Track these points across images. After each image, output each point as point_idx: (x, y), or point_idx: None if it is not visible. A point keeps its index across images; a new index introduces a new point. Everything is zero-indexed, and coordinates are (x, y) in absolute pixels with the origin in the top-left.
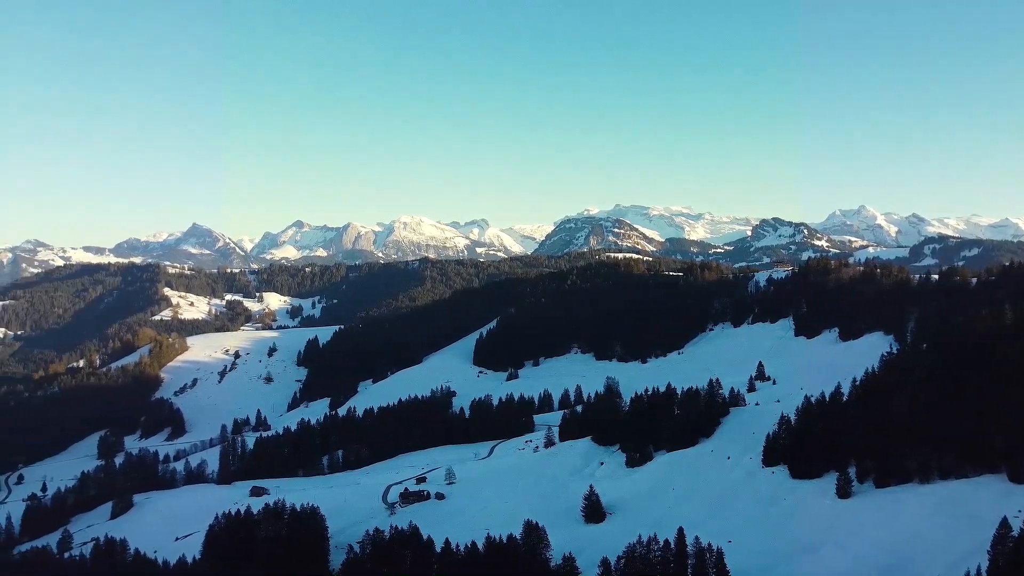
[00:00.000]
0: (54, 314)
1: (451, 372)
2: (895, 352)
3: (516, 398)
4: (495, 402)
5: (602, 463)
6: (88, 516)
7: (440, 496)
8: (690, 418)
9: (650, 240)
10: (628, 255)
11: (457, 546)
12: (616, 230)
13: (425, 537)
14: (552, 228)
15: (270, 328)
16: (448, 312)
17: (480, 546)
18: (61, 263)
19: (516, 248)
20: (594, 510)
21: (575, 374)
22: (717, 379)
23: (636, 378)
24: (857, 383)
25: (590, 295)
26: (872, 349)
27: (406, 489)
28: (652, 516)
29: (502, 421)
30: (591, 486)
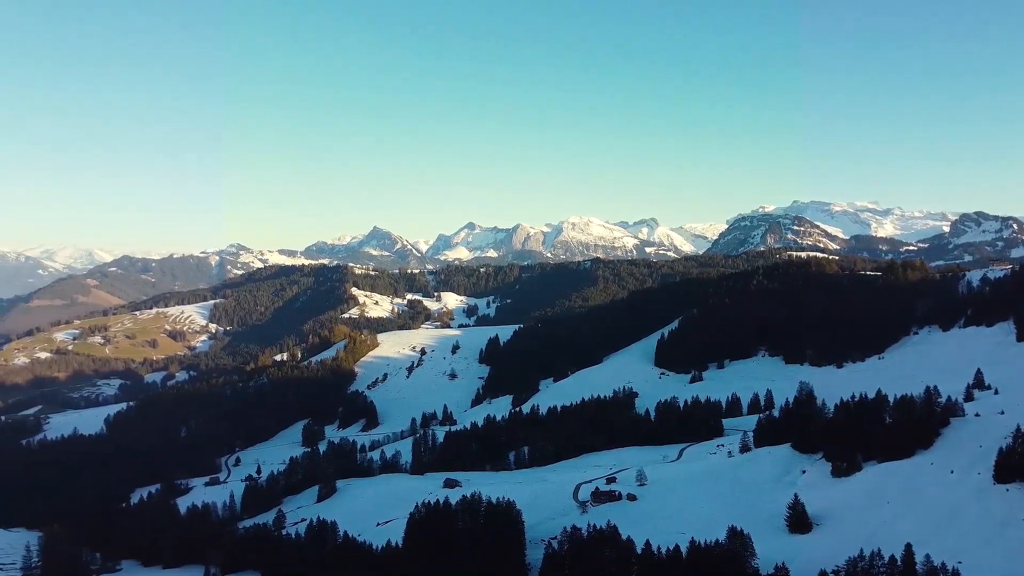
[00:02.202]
0: (257, 311)
1: (632, 373)
2: None
3: (702, 401)
4: (680, 404)
5: (804, 471)
6: (297, 498)
7: (632, 497)
8: (905, 427)
9: (832, 237)
10: (816, 253)
11: (658, 548)
12: (795, 228)
13: (624, 537)
14: (725, 226)
15: (448, 326)
16: (626, 312)
17: (683, 550)
18: (260, 265)
19: (687, 247)
20: (799, 520)
21: (763, 378)
22: (935, 387)
23: (831, 383)
24: None
25: (777, 296)
26: None
27: (597, 488)
28: (865, 530)
29: (689, 424)
30: (795, 495)
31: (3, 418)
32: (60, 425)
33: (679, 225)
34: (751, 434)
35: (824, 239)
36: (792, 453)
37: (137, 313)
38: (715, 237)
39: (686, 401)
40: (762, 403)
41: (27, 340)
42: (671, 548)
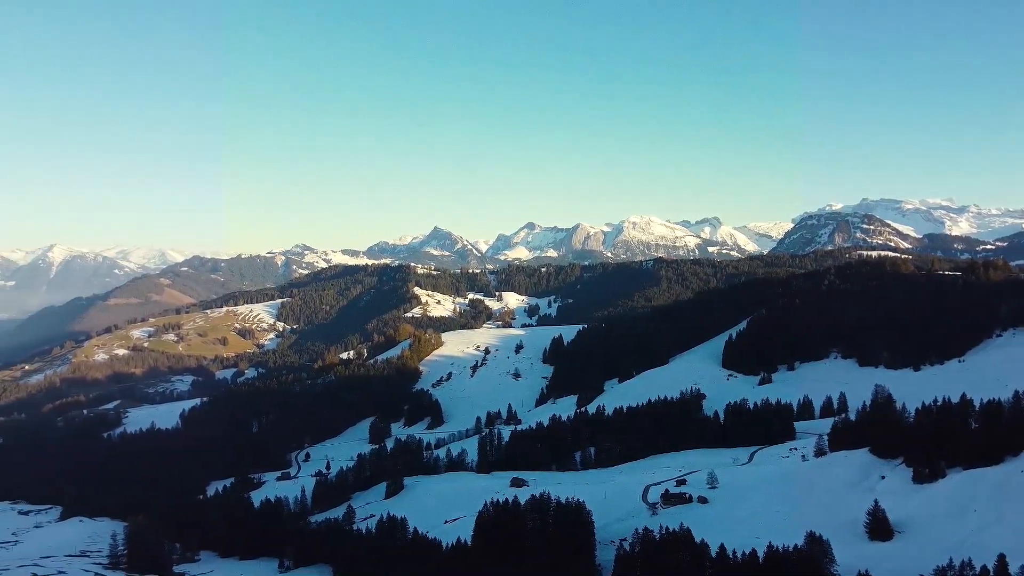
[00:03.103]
0: (322, 310)
1: (699, 374)
2: None
3: (772, 403)
4: (750, 406)
5: (883, 477)
6: (365, 494)
7: (703, 500)
8: (992, 433)
9: (904, 236)
10: (887, 253)
11: (733, 552)
12: (865, 226)
13: (699, 540)
14: (791, 225)
15: (510, 326)
16: (691, 312)
17: (760, 554)
18: (324, 265)
19: (750, 247)
20: (880, 526)
21: (836, 380)
22: None
23: (908, 387)
24: None
25: (850, 296)
26: None
27: (667, 490)
28: (951, 539)
29: (759, 426)
30: (875, 500)
31: (85, 411)
32: (138, 419)
33: (742, 224)
34: (826, 438)
35: (895, 238)
36: (870, 458)
37: (208, 311)
38: (780, 236)
39: (755, 403)
40: (835, 406)
41: (106, 337)
42: (747, 552)
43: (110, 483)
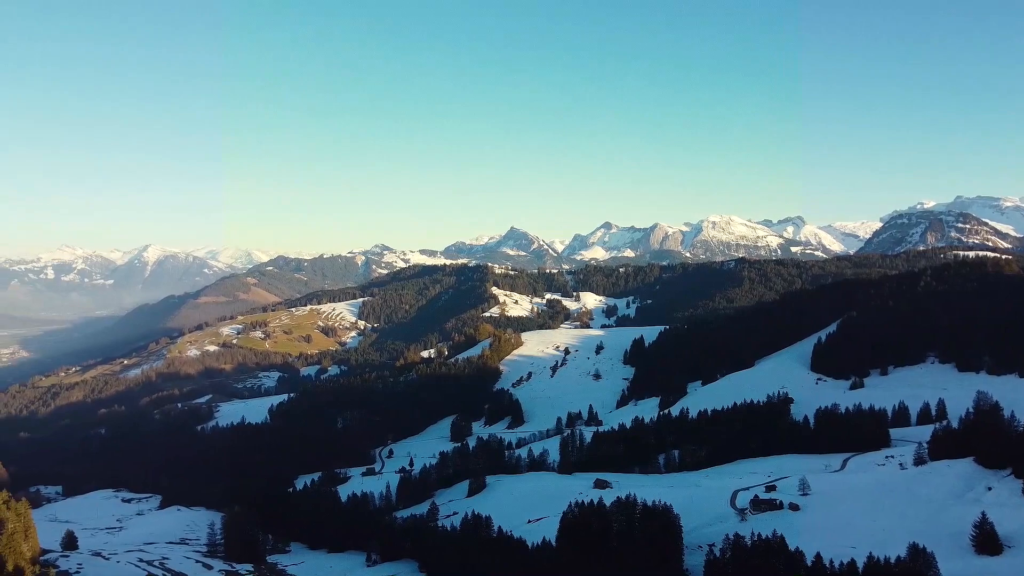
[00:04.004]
0: (402, 309)
1: (786, 377)
2: None
3: (865, 408)
4: (842, 411)
5: (990, 488)
6: (448, 492)
7: (794, 507)
8: None
9: (1003, 235)
10: (986, 253)
11: (830, 562)
12: (960, 225)
13: (792, 548)
14: (879, 224)
15: (588, 326)
16: (777, 314)
17: (859, 565)
18: (403, 264)
19: (836, 247)
20: (988, 540)
21: (933, 386)
22: None
23: (1014, 394)
24: None
25: (948, 298)
26: None
27: (756, 496)
28: None
29: (851, 433)
30: (982, 513)
31: (180, 405)
32: (229, 413)
33: (827, 223)
34: (925, 446)
35: (994, 237)
36: (976, 468)
37: (293, 310)
38: (868, 236)
39: (847, 408)
40: (933, 413)
41: (197, 334)
42: (844, 562)
43: (204, 474)
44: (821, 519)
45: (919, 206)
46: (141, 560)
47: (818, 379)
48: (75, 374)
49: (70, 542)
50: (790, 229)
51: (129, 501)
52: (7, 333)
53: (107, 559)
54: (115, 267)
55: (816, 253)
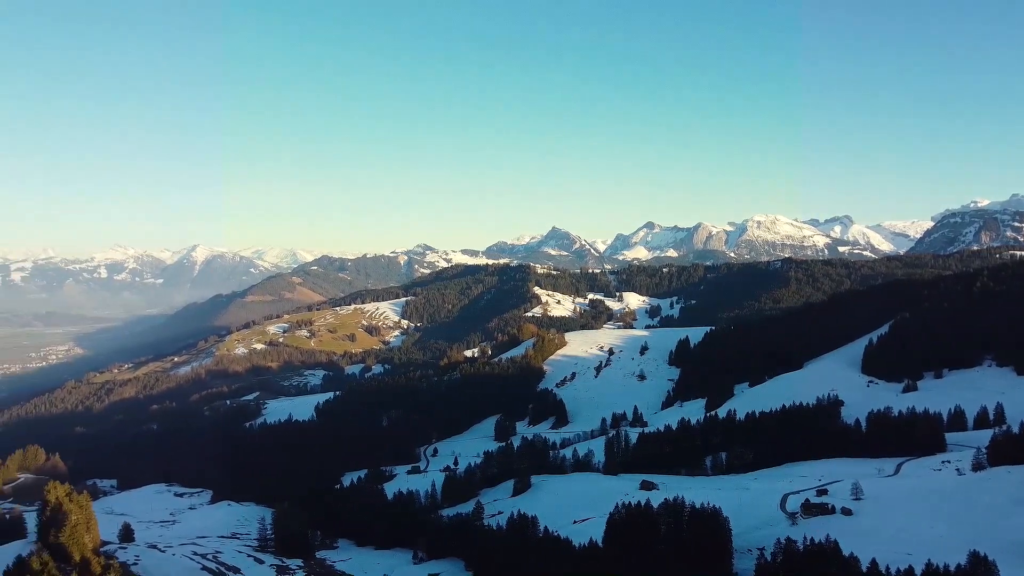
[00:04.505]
0: (444, 309)
1: (836, 379)
2: None
3: (919, 412)
4: (894, 415)
5: None
6: (493, 491)
7: (847, 511)
8: None
9: None
10: None
11: (887, 568)
12: (1016, 224)
13: (847, 554)
14: (931, 223)
15: (631, 327)
16: (825, 315)
17: (917, 572)
18: (445, 264)
19: (885, 246)
20: None
21: (991, 389)
22: None
23: None
24: None
25: (1007, 299)
26: None
27: (807, 500)
28: None
29: (905, 437)
30: None
31: (228, 402)
32: (276, 410)
33: (876, 223)
34: (984, 451)
35: None
36: None
37: (337, 309)
38: (918, 235)
39: (900, 412)
40: (991, 417)
41: (245, 332)
42: (902, 569)
43: (252, 470)
44: (875, 525)
45: (972, 204)
46: (195, 553)
47: (869, 381)
48: (128, 371)
49: (127, 534)
50: (837, 228)
51: (181, 495)
52: (62, 331)
53: (163, 551)
54: (165, 266)
55: (864, 253)
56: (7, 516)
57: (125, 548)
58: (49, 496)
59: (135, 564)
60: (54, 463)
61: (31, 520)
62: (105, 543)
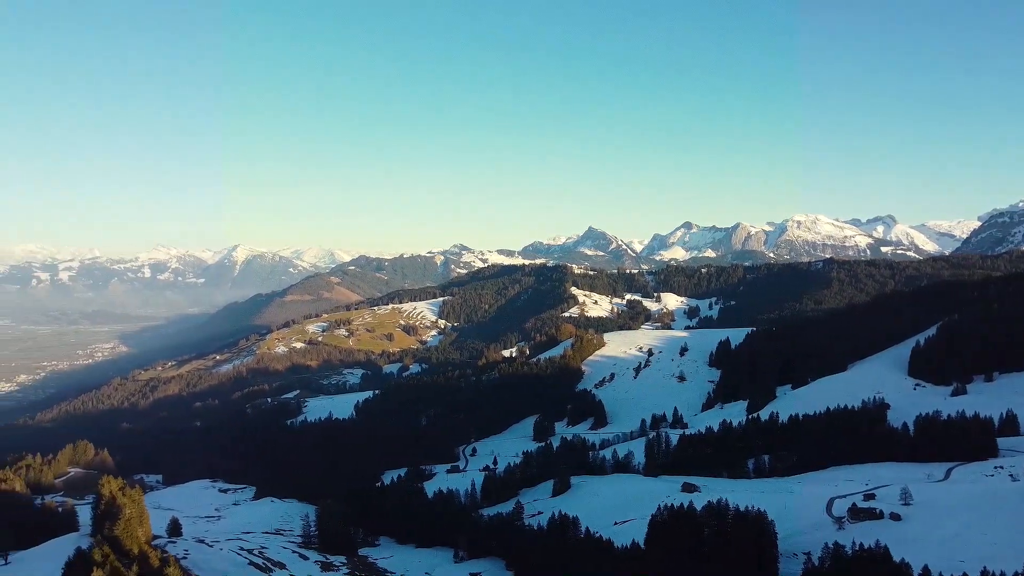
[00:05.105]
0: (481, 309)
1: (882, 382)
2: None
3: (969, 416)
4: (943, 419)
5: None
6: (532, 491)
7: (896, 516)
8: None
9: None
10: None
11: (940, 575)
12: None
13: (898, 560)
14: (978, 223)
15: (669, 327)
16: (870, 316)
17: None
18: (481, 264)
19: (929, 247)
20: None
21: None
22: None
23: None
24: None
25: None
26: None
27: (854, 504)
28: None
29: (954, 441)
30: None
31: (269, 400)
32: (316, 408)
33: (920, 222)
34: None
35: None
36: None
37: (375, 308)
38: (965, 235)
39: (949, 416)
40: None
41: (285, 331)
42: None
43: (294, 467)
44: (926, 531)
45: (1021, 204)
46: (242, 549)
47: (916, 384)
48: (171, 368)
49: (175, 528)
50: (880, 228)
51: (225, 491)
52: (107, 329)
53: (210, 546)
54: (206, 266)
55: (908, 253)
56: (60, 509)
57: (174, 542)
58: (103, 490)
59: (184, 558)
60: (102, 458)
61: (82, 513)
62: (155, 537)
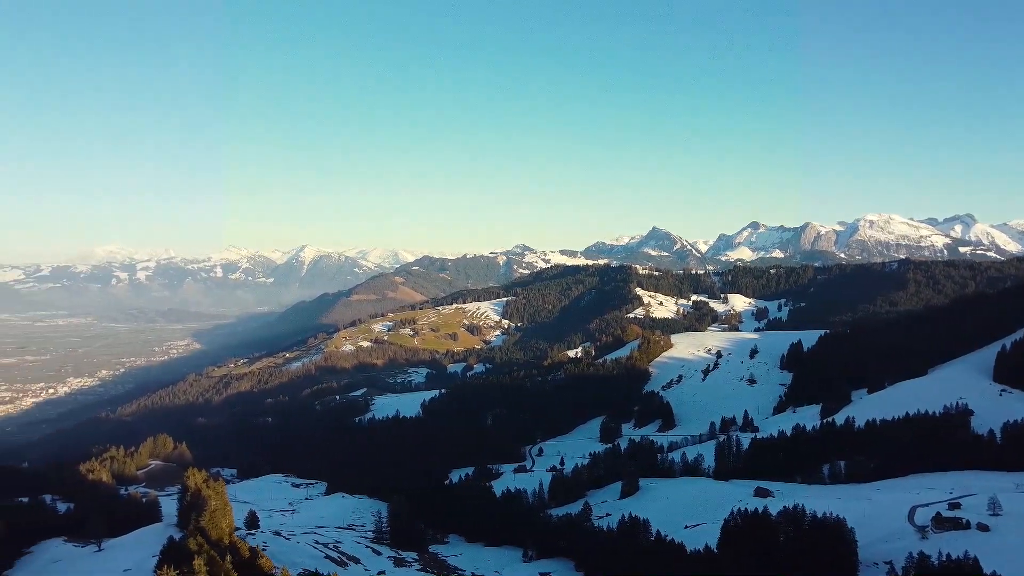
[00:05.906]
0: (544, 309)
1: (964, 387)
2: None
3: None
4: None
5: None
6: (600, 492)
7: (983, 527)
8: None
9: None
10: None
11: None
12: None
13: (988, 573)
14: None
15: (736, 329)
16: (949, 319)
17: None
18: (543, 265)
19: (1011, 247)
20: None
21: None
22: None
23: None
24: None
25: None
26: None
27: (938, 514)
28: None
29: None
30: None
31: (338, 397)
32: (383, 406)
33: (1001, 221)
34: None
35: None
36: None
37: (439, 308)
38: None
39: None
40: None
41: (351, 330)
42: None
43: (362, 463)
44: (1017, 542)
45: None
46: (317, 542)
47: (1002, 390)
48: (243, 365)
49: (252, 521)
50: (958, 228)
51: (298, 486)
52: (182, 327)
53: (287, 539)
54: (275, 266)
55: (989, 254)
56: (144, 500)
57: (253, 534)
58: (189, 482)
59: (264, 550)
60: (181, 451)
61: (164, 505)
62: (235, 528)
